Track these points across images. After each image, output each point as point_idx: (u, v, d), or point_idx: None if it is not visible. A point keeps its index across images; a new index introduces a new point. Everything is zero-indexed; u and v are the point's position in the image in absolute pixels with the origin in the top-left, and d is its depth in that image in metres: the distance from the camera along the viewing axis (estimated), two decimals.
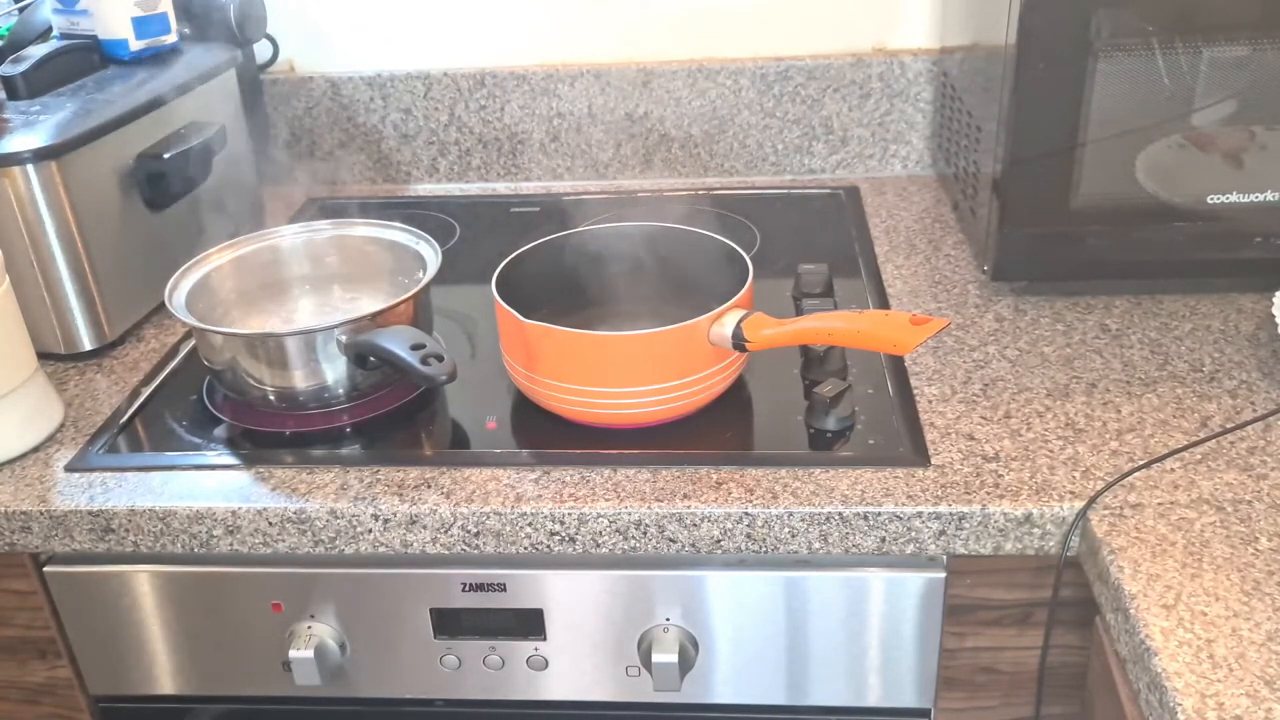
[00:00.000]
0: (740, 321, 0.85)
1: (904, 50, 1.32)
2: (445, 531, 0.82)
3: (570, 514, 0.81)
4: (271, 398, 0.92)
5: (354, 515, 0.83)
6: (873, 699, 0.88)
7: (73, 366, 1.04)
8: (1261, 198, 0.96)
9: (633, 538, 0.82)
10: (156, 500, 0.84)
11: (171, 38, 1.19)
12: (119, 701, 0.96)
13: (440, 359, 0.85)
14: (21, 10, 1.25)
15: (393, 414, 0.93)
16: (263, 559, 0.88)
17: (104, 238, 1.03)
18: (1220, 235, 0.98)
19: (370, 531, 0.83)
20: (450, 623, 0.88)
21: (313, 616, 0.89)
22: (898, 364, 0.96)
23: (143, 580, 0.89)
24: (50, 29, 1.18)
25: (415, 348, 0.86)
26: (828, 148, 1.37)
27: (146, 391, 0.99)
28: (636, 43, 1.35)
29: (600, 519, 0.81)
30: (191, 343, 1.05)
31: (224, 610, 0.89)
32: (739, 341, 0.85)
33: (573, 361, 0.85)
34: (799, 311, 1.05)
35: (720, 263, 0.96)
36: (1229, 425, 0.85)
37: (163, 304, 0.95)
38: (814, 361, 0.94)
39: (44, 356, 1.01)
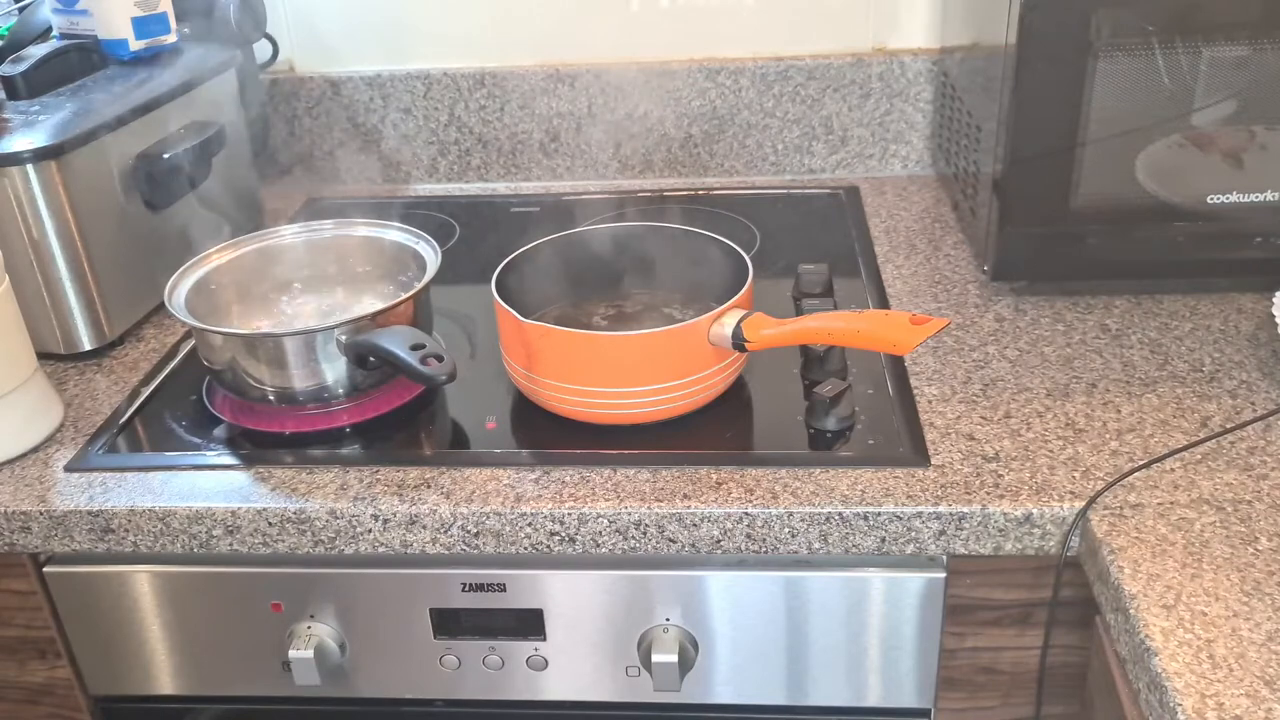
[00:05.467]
0: (740, 321, 0.85)
1: (904, 50, 1.32)
2: (445, 531, 0.82)
3: (570, 514, 0.81)
4: (271, 398, 0.92)
5: (354, 515, 0.83)
6: (873, 699, 0.88)
7: (72, 366, 1.04)
8: (1261, 198, 0.96)
9: (633, 538, 0.82)
10: (156, 500, 0.84)
11: (171, 38, 1.19)
12: (119, 701, 0.96)
13: (440, 359, 0.85)
14: (21, 10, 1.25)
15: (393, 414, 0.93)
16: (262, 559, 0.88)
17: (104, 238, 1.03)
18: (1220, 235, 0.98)
19: (370, 531, 0.83)
20: (450, 623, 0.88)
21: (313, 616, 0.89)
22: (898, 364, 0.96)
23: (142, 580, 0.89)
24: (50, 29, 1.18)
25: (415, 348, 0.86)
26: (828, 148, 1.37)
27: (146, 391, 0.99)
28: (636, 43, 1.35)
29: (600, 519, 0.81)
30: (191, 343, 1.05)
31: (224, 610, 0.89)
32: (739, 341, 0.85)
33: (572, 361, 0.85)
34: (799, 311, 1.05)
35: (720, 263, 0.96)
36: (1229, 425, 0.85)
37: (163, 304, 0.95)
38: (814, 361, 0.94)
39: (44, 356, 1.01)
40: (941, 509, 0.79)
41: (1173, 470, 0.81)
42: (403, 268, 1.03)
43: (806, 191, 1.35)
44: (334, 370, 0.90)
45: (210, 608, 0.89)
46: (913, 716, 0.89)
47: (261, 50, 1.35)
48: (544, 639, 0.88)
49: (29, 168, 0.96)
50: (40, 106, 1.04)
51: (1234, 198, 0.97)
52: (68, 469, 0.89)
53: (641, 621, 0.86)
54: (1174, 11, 0.90)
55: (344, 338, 0.89)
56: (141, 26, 1.15)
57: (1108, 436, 0.85)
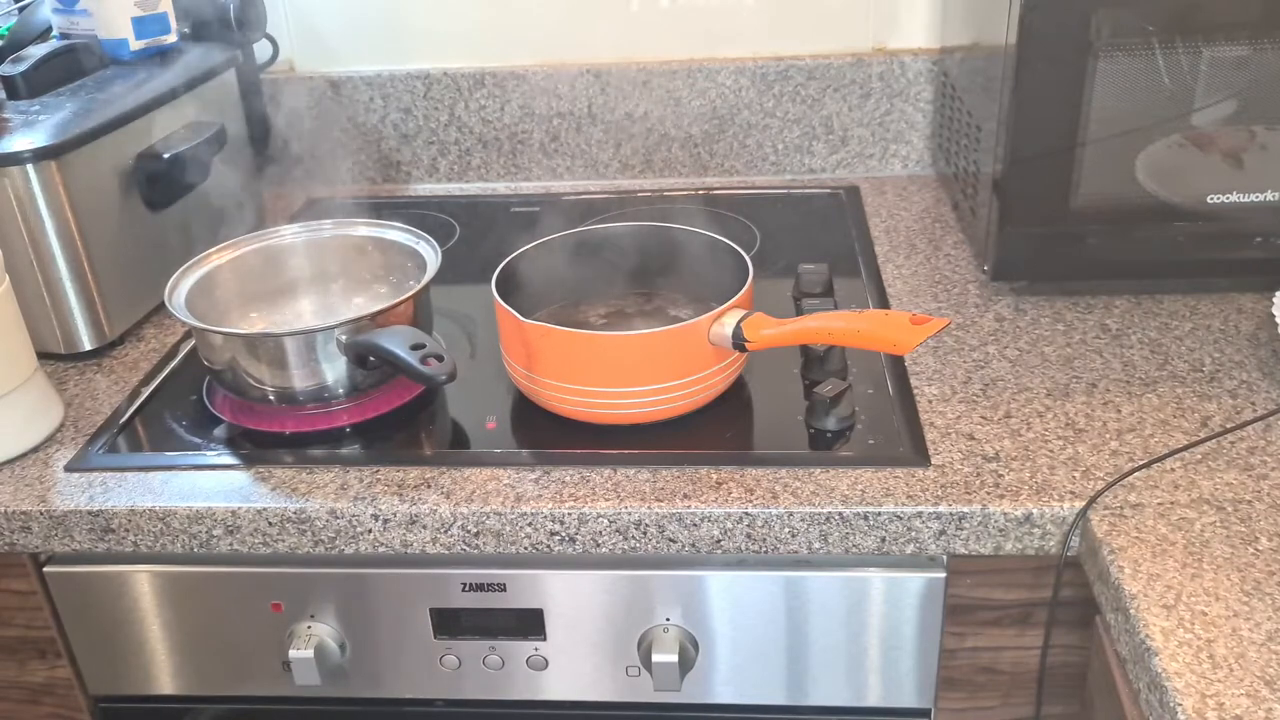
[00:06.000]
0: (740, 321, 0.85)
1: (904, 50, 1.32)
2: (445, 531, 0.82)
3: (570, 514, 0.81)
4: (271, 398, 0.92)
5: (354, 515, 0.83)
6: (873, 699, 0.88)
7: (73, 366, 1.04)
8: (1261, 198, 0.96)
9: (633, 538, 0.82)
10: (156, 500, 0.84)
11: (171, 38, 1.19)
12: (119, 701, 0.96)
13: (440, 359, 0.85)
14: (21, 10, 1.25)
15: (393, 414, 0.93)
16: (263, 559, 0.88)
17: (104, 238, 1.03)
18: (1220, 235, 0.98)
19: (370, 531, 0.83)
20: (450, 623, 0.88)
21: (313, 616, 0.89)
22: (898, 364, 0.96)
23: (143, 580, 0.89)
24: (50, 29, 1.18)
25: (415, 348, 0.86)
26: (828, 147, 1.37)
27: (146, 391, 0.99)
28: (636, 43, 1.35)
29: (600, 519, 0.81)
30: (191, 343, 1.06)
31: (224, 610, 0.89)
32: (739, 341, 0.85)
33: (573, 361, 0.85)
34: (799, 311, 1.05)
35: (720, 263, 0.96)
36: (1229, 425, 0.85)
37: (163, 304, 0.95)
38: (814, 361, 0.94)
39: (44, 356, 1.01)
40: (941, 509, 0.79)
41: (1173, 470, 0.81)
42: (403, 268, 1.03)
43: (806, 191, 1.35)
44: (334, 370, 0.90)
45: (210, 608, 0.89)
46: (913, 716, 0.89)
47: (261, 50, 1.35)
48: (544, 639, 0.88)
49: (29, 168, 0.96)
50: (40, 106, 1.04)
51: (1234, 198, 0.97)
52: (68, 469, 0.89)
53: (641, 621, 0.86)
54: (1174, 11, 0.90)
55: (344, 338, 0.89)
56: (141, 26, 1.15)
57: (1108, 436, 0.85)
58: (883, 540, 0.80)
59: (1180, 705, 0.61)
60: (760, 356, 0.94)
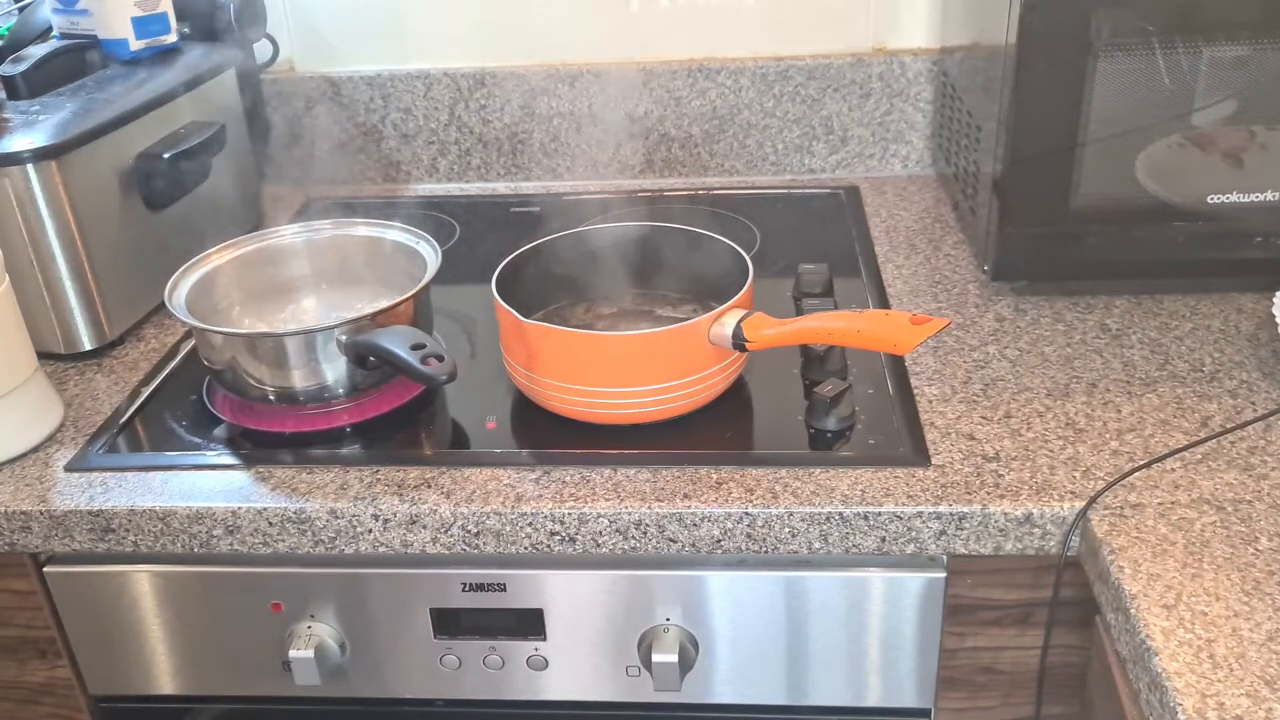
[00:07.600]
0: (740, 321, 0.85)
1: (904, 50, 1.32)
2: (445, 531, 0.82)
3: (570, 514, 0.81)
4: (271, 398, 0.92)
5: (354, 515, 0.83)
6: (873, 699, 0.88)
7: (73, 366, 1.04)
8: (1261, 198, 0.96)
9: (633, 538, 0.82)
10: (156, 500, 0.84)
11: (171, 38, 1.19)
12: (119, 701, 0.96)
13: (440, 359, 0.85)
14: (21, 10, 1.25)
15: (393, 414, 0.93)
16: (263, 559, 0.88)
17: (104, 238, 1.03)
18: (1220, 235, 0.98)
19: (370, 531, 0.83)
20: (450, 623, 0.88)
21: (313, 616, 0.89)
22: (898, 364, 0.96)
23: (143, 580, 0.89)
24: (50, 29, 1.18)
25: (415, 348, 0.86)
26: (828, 147, 1.37)
27: (146, 391, 0.99)
28: (636, 43, 1.35)
29: (600, 519, 0.81)
30: (191, 343, 1.05)
31: (224, 610, 0.89)
32: (739, 341, 0.85)
33: (573, 361, 0.85)
34: (799, 311, 1.05)
35: (720, 263, 0.96)
36: (1229, 425, 0.85)
37: (163, 304, 0.95)
38: (814, 361, 0.94)
39: (44, 356, 1.01)
40: (942, 509, 0.79)
41: (1173, 470, 0.81)
42: (402, 268, 1.03)
43: (806, 191, 1.35)
44: (334, 370, 0.90)
45: (210, 608, 0.89)
46: (913, 716, 0.89)
47: (261, 50, 1.35)
48: (544, 639, 0.88)
49: (29, 168, 0.96)
50: (40, 106, 1.04)
51: (1234, 198, 0.97)
52: (68, 469, 0.89)
53: (642, 621, 0.86)
54: (1174, 11, 0.90)
55: (344, 338, 0.89)
56: (141, 26, 1.15)
57: (1108, 436, 0.85)
58: (883, 540, 0.80)
59: (1180, 705, 0.61)
60: (760, 356, 0.94)
